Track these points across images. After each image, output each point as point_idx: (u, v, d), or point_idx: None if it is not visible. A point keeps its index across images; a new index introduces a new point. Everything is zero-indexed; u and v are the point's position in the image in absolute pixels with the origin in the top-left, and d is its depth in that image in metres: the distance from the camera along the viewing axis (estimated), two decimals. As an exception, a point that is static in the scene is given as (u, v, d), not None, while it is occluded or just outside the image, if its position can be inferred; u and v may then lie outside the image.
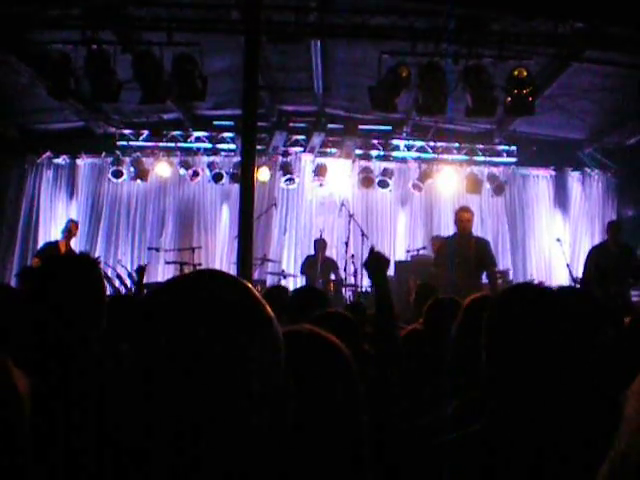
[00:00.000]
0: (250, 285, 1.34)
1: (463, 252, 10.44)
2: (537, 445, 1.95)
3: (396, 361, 3.49)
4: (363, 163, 16.06)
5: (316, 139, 15.38)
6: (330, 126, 15.36)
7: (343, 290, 13.18)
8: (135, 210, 16.38)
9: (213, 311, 1.23)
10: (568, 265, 12.30)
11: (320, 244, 13.55)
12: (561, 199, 16.45)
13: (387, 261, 3.93)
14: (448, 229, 14.00)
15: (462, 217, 10.77)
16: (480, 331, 2.25)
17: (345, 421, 1.58)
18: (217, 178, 15.86)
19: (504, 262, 15.15)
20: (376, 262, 3.84)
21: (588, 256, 11.88)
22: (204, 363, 1.18)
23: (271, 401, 1.24)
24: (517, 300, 2.28)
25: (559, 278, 13.86)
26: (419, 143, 15.89)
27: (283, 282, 14.05)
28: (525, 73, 10.59)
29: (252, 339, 1.24)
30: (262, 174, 15.10)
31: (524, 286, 2.65)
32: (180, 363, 1.18)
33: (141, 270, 8.65)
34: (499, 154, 16.05)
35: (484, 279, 11.05)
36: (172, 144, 15.90)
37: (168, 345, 1.19)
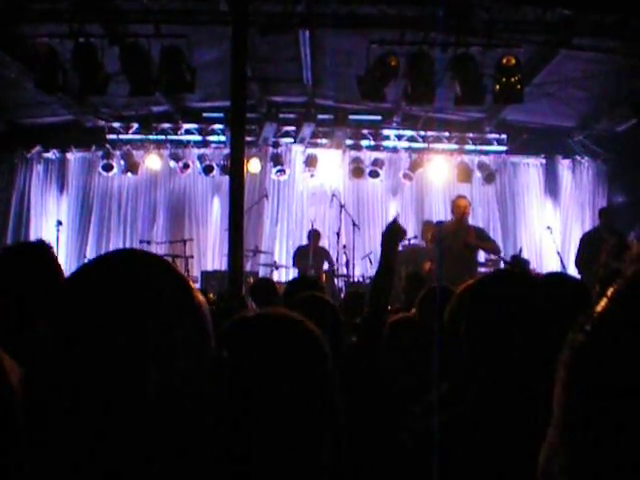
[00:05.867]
0: (173, 264, 1.33)
1: (458, 240, 10.50)
2: (520, 428, 1.96)
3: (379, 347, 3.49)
4: (354, 153, 16.03)
5: (306, 130, 15.37)
6: (320, 117, 15.36)
7: (335, 280, 13.19)
8: (126, 203, 16.37)
9: (135, 291, 1.21)
10: (559, 253, 12.37)
11: (313, 234, 13.56)
12: (551, 187, 16.49)
13: (403, 233, 3.97)
14: (439, 218, 14.03)
15: (459, 204, 10.89)
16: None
17: (317, 407, 1.57)
18: (207, 170, 15.83)
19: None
20: (391, 232, 3.87)
21: (580, 242, 11.94)
22: (123, 343, 1.17)
23: (199, 384, 1.23)
24: (494, 286, 2.30)
25: (550, 266, 13.91)
26: (409, 133, 15.88)
27: (275, 273, 14.06)
28: (514, 61, 10.59)
29: (176, 319, 1.21)
30: (252, 166, 15.10)
31: (501, 272, 2.67)
32: (103, 345, 1.16)
33: None
34: (489, 143, 16.06)
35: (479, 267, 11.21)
36: (162, 137, 15.86)
37: (88, 327, 1.18)
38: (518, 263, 11.26)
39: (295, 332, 1.63)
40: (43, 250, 2.97)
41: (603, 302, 0.87)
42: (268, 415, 1.51)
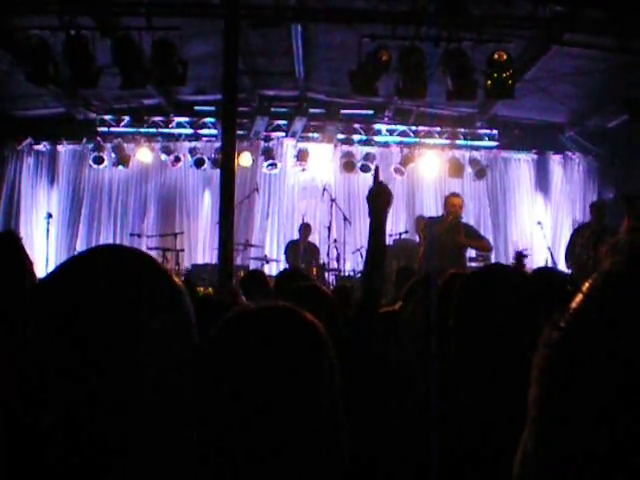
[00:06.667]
0: (155, 259, 1.34)
1: (448, 237, 10.49)
2: (506, 425, 1.96)
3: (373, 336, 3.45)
4: (345, 148, 16.04)
5: (298, 124, 15.34)
6: (312, 111, 15.33)
7: (326, 274, 13.20)
8: (117, 196, 16.33)
9: (117, 287, 1.22)
10: (549, 248, 12.39)
11: (304, 229, 13.56)
12: (542, 182, 16.53)
13: (390, 195, 3.60)
14: (430, 213, 14.04)
15: (453, 202, 10.86)
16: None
17: (316, 402, 1.57)
18: (199, 163, 15.81)
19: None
20: (377, 197, 3.53)
21: (571, 237, 11.93)
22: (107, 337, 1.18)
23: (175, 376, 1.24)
24: (484, 282, 2.29)
25: (540, 261, 13.93)
26: (401, 127, 15.86)
27: (266, 267, 14.05)
28: (505, 56, 10.59)
29: (159, 312, 1.23)
30: (244, 159, 15.08)
31: (492, 268, 2.66)
32: (84, 339, 1.17)
33: None
34: (481, 138, 16.05)
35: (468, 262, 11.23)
36: (153, 130, 15.81)
37: (71, 324, 1.18)
38: (519, 260, 11.30)
39: (296, 324, 1.63)
40: (9, 240, 2.92)
41: (578, 297, 0.83)
42: (269, 405, 1.51)
